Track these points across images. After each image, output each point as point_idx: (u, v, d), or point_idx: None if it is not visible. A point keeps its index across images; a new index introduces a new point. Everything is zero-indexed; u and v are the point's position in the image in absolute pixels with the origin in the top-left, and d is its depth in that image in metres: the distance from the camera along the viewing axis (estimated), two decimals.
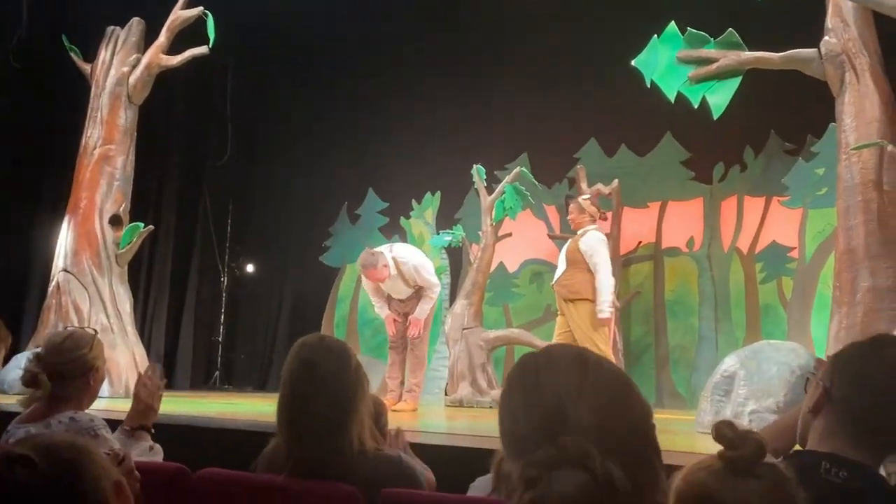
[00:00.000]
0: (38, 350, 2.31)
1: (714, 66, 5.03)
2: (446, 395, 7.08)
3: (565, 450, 0.73)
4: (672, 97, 5.19)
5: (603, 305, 5.19)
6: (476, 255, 7.31)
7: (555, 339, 5.36)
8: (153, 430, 2.34)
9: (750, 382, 3.96)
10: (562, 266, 5.41)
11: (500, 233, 7.46)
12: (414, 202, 9.03)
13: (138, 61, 6.73)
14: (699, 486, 0.85)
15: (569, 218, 5.66)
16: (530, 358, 0.89)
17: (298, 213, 8.99)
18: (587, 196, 5.98)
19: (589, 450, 0.73)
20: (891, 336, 1.49)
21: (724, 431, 0.86)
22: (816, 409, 1.37)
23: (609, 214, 7.70)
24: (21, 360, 5.63)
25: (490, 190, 7.23)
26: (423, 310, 5.91)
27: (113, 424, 2.28)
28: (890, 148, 4.44)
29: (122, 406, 3.05)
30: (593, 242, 5.37)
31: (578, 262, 5.31)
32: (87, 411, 2.26)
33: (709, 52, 5.08)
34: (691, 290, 7.69)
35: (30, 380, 2.19)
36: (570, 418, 0.79)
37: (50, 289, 6.38)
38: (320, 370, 1.77)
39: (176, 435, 3.56)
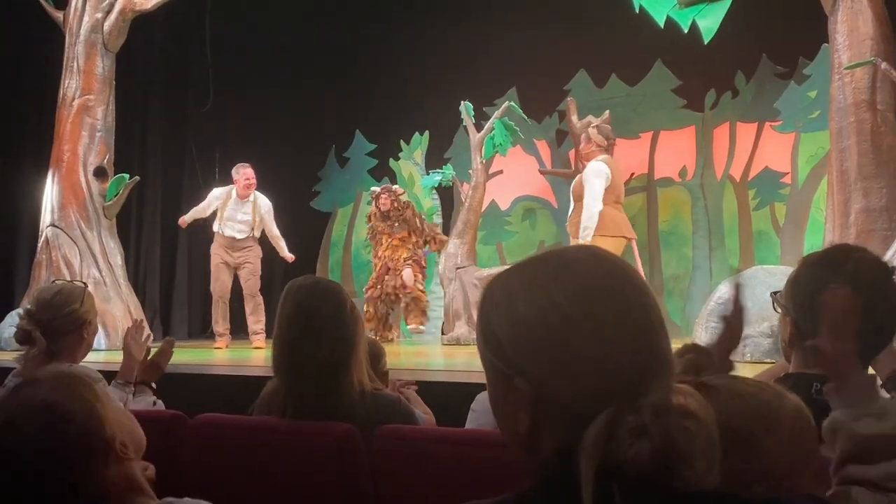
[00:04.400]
0: (29, 307, 2.28)
1: None
2: (443, 334, 7.13)
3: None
4: (661, 22, 5.08)
5: (583, 232, 5.20)
6: (467, 193, 7.26)
7: None
8: (154, 387, 2.34)
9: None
10: (572, 203, 5.39)
11: (491, 170, 7.39)
12: (402, 143, 8.92)
13: (111, 6, 6.52)
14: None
15: (580, 149, 5.63)
16: (614, 262, 0.79)
17: (286, 158, 8.87)
18: (595, 125, 5.84)
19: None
20: (843, 247, 1.37)
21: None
22: (791, 343, 1.35)
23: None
24: (16, 317, 5.63)
25: (479, 127, 7.13)
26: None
27: (109, 377, 2.28)
28: (884, 66, 4.37)
29: (118, 358, 3.05)
30: (587, 173, 5.36)
31: (582, 197, 5.26)
32: (83, 364, 2.26)
33: None
34: (685, 220, 7.68)
35: (23, 337, 2.17)
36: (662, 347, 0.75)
37: (39, 244, 6.33)
38: (318, 315, 1.76)
39: (175, 384, 3.58)
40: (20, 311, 2.40)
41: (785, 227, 7.12)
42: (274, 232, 6.53)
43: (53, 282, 2.42)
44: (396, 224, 7.21)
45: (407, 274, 6.94)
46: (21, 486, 0.97)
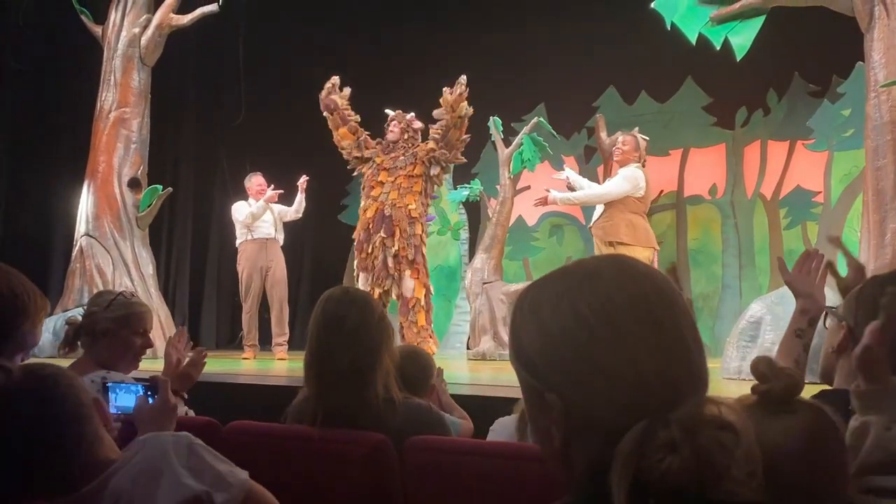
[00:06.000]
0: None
1: (737, 5, 4.89)
2: (468, 349, 7.11)
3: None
4: (693, 40, 5.06)
5: (565, 195, 5.34)
6: (494, 208, 7.26)
7: None
8: (186, 396, 2.37)
9: (777, 327, 3.91)
10: (598, 207, 5.27)
11: (519, 185, 7.39)
12: None
13: (149, 22, 6.67)
14: None
15: (617, 151, 5.53)
16: (649, 277, 0.76)
17: (314, 171, 8.96)
18: (646, 137, 5.75)
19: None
20: None
21: (759, 366, 0.80)
22: (841, 349, 1.34)
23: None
24: (49, 325, 5.72)
25: (507, 142, 7.14)
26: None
27: None
28: None
29: (149, 366, 3.09)
30: (622, 173, 5.26)
31: (616, 201, 5.13)
32: (122, 374, 2.30)
33: None
34: (714, 238, 7.61)
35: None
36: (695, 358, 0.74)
37: (73, 253, 6.44)
38: (345, 322, 1.79)
39: (205, 393, 3.62)
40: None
41: (817, 246, 7.02)
42: (290, 209, 6.80)
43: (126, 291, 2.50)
44: (402, 157, 5.58)
45: (409, 286, 5.40)
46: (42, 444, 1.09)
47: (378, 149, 5.81)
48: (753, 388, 0.79)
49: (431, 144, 5.60)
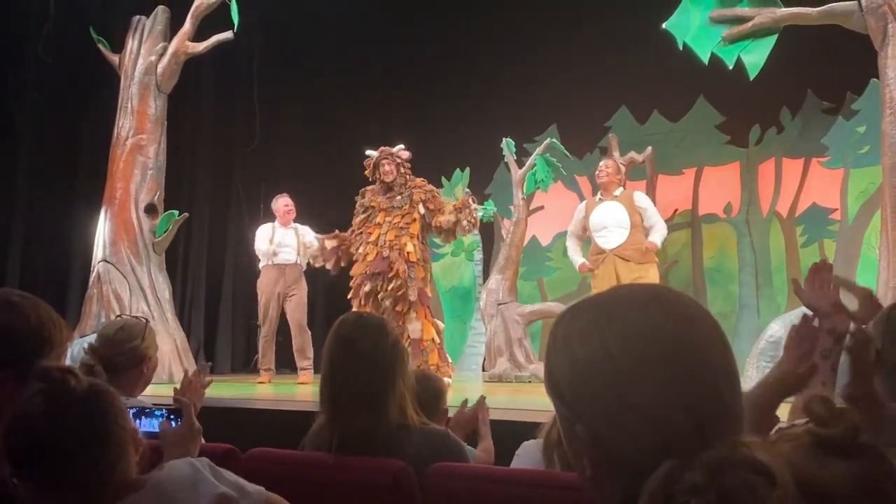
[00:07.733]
0: (92, 342, 2.34)
1: (749, 24, 4.90)
2: (484, 370, 7.08)
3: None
4: (706, 59, 5.07)
5: (657, 241, 5.55)
6: (508, 229, 7.26)
7: None
8: None
9: None
10: (620, 230, 5.46)
11: (532, 206, 7.40)
12: (444, 179, 8.99)
13: (165, 50, 6.76)
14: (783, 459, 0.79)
15: (602, 173, 5.72)
16: (675, 306, 0.74)
17: (329, 195, 9.01)
18: (624, 163, 6.12)
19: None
20: None
21: (815, 408, 0.74)
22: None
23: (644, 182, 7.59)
24: (68, 351, 5.75)
25: (520, 163, 7.16)
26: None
27: None
28: None
29: (165, 391, 3.09)
30: (644, 201, 5.65)
31: (639, 224, 5.50)
32: (139, 398, 2.30)
33: (743, 10, 4.95)
34: (731, 257, 7.56)
35: (87, 372, 2.23)
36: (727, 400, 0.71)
37: (91, 279, 6.49)
38: (357, 346, 1.79)
39: (221, 418, 3.62)
40: (85, 344, 2.45)
41: (835, 264, 6.88)
42: (310, 236, 6.64)
43: (118, 317, 2.49)
44: (399, 197, 5.52)
45: (414, 328, 5.28)
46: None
47: (372, 195, 5.71)
48: (809, 431, 0.75)
49: (423, 194, 5.55)
